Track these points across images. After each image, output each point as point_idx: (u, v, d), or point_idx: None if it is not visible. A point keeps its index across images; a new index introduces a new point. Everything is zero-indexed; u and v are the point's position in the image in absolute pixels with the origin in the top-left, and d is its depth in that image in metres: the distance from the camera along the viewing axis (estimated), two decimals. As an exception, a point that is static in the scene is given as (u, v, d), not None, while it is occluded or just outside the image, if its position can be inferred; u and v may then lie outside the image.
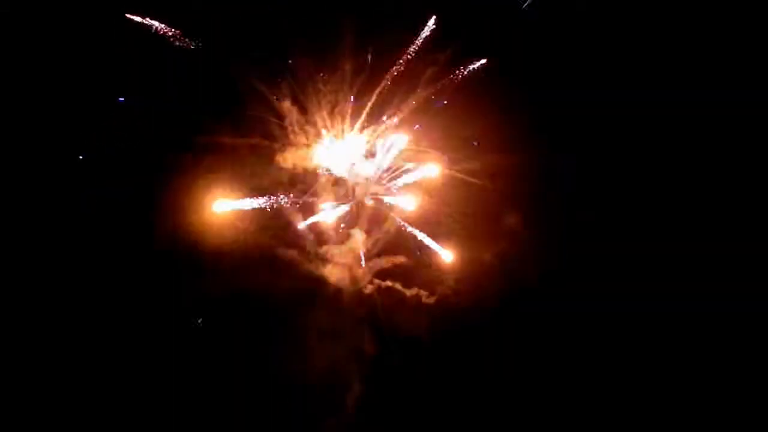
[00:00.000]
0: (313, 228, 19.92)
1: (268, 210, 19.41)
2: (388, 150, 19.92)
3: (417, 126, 19.86)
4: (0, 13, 18.24)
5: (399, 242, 20.28)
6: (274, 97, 19.18)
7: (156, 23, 18.22)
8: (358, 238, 20.07)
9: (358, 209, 20.20)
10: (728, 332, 19.58)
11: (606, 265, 19.92)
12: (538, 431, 20.12)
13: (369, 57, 19.15)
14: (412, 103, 19.60)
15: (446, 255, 20.17)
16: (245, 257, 19.18)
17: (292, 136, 19.49)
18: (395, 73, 19.27)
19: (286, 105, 19.28)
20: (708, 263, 19.56)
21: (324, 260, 20.01)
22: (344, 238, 20.22)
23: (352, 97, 19.46)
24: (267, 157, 19.35)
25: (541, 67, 19.84)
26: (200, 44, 18.51)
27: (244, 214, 19.23)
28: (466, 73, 19.66)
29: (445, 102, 19.80)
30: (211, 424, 19.21)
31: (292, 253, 19.76)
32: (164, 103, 18.63)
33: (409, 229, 20.07)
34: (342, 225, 20.22)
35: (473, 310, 20.09)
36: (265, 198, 19.33)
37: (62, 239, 18.97)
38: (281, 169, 19.43)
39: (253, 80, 18.90)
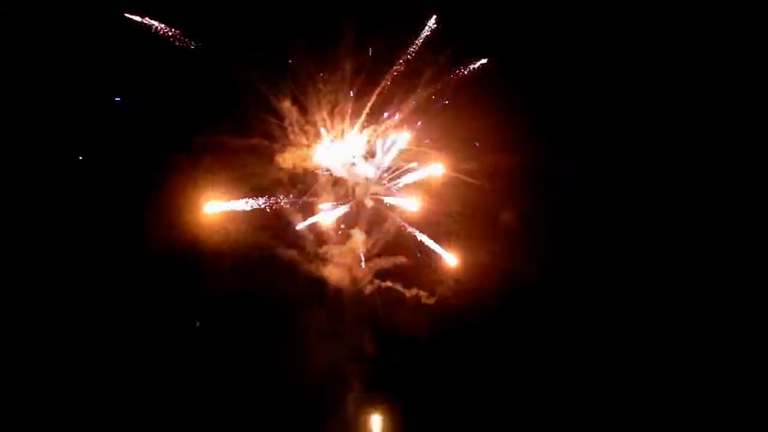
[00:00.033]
0: (313, 228, 19.92)
1: (268, 210, 19.42)
2: (388, 150, 19.92)
3: (419, 122, 19.84)
4: (0, 13, 18.21)
5: (399, 242, 20.29)
6: (274, 97, 19.16)
7: (156, 23, 18.20)
8: (358, 239, 20.08)
9: (358, 209, 20.19)
10: (728, 332, 19.58)
11: (606, 265, 19.92)
12: (538, 431, 20.09)
13: (370, 51, 19.12)
14: (412, 103, 19.60)
15: (450, 259, 20.16)
16: (245, 257, 19.21)
17: (291, 137, 19.49)
18: (395, 73, 19.25)
19: (286, 105, 19.28)
20: (708, 263, 19.56)
21: (324, 260, 20.04)
22: (344, 238, 20.23)
23: (352, 93, 19.42)
24: (267, 157, 19.36)
25: (541, 67, 19.83)
26: (200, 44, 18.49)
27: (244, 214, 19.22)
28: (466, 73, 19.63)
29: (447, 102, 19.78)
30: (211, 424, 19.18)
31: (292, 254, 19.77)
32: (164, 103, 18.60)
33: (410, 229, 20.07)
34: (342, 225, 20.23)
35: (473, 310, 20.06)
36: (265, 198, 19.32)
37: (62, 239, 18.94)
38: (281, 169, 19.45)
39: (253, 80, 18.87)
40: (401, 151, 19.90)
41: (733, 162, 20.08)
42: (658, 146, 20.34)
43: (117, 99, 18.69)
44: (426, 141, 19.96)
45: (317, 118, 19.53)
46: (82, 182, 19.05)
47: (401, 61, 19.24)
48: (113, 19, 18.10)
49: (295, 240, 19.83)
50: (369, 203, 20.10)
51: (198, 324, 19.65)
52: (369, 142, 19.87)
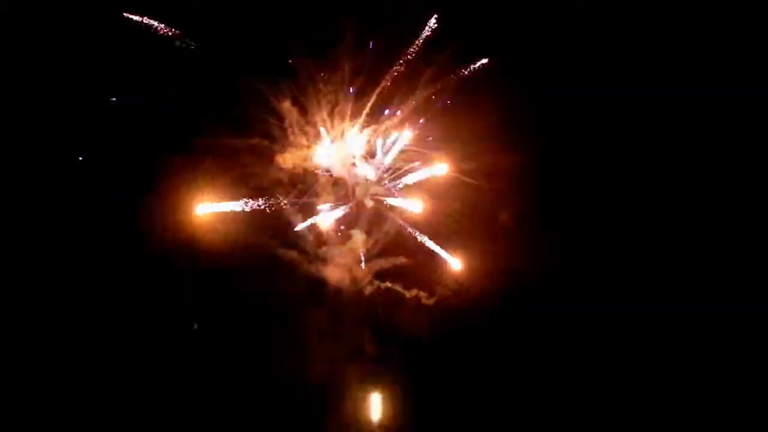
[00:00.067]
0: (313, 228, 19.91)
1: (268, 211, 19.40)
2: (388, 150, 19.91)
3: (421, 120, 19.81)
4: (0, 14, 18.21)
5: (399, 243, 20.27)
6: (274, 98, 19.15)
7: (156, 23, 18.19)
8: (358, 239, 20.07)
9: (358, 210, 20.19)
10: (728, 332, 19.57)
11: (606, 265, 19.91)
12: (538, 431, 20.10)
13: (371, 44, 19.10)
14: (412, 103, 19.59)
15: (455, 263, 20.16)
16: (245, 258, 19.19)
17: (291, 137, 19.49)
18: (395, 74, 19.24)
19: (286, 105, 19.27)
20: (708, 263, 19.55)
21: (324, 261, 20.02)
22: (344, 238, 20.23)
23: (351, 89, 19.40)
24: (267, 157, 19.35)
25: (541, 67, 19.82)
26: (200, 44, 18.48)
27: (244, 214, 19.21)
28: (466, 73, 19.61)
29: (448, 102, 19.77)
30: (211, 425, 19.19)
31: (292, 254, 19.77)
32: (163, 103, 18.60)
33: (410, 230, 20.07)
34: (341, 226, 20.23)
35: (473, 310, 20.07)
36: (265, 199, 19.32)
37: (62, 239, 18.94)
38: (281, 169, 19.45)
39: (253, 80, 18.86)
40: (401, 152, 19.90)
41: (733, 162, 20.06)
42: (658, 146, 20.32)
43: (113, 99, 18.67)
44: (429, 138, 19.93)
45: (317, 118, 19.53)
46: (82, 182, 19.04)
47: (401, 61, 19.22)
48: (112, 19, 18.09)
49: (295, 240, 19.85)
50: (369, 203, 20.10)
51: (196, 326, 19.63)
52: (369, 142, 19.88)
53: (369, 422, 20.03)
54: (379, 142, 19.91)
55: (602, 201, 20.33)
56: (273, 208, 19.41)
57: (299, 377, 19.44)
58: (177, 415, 18.88)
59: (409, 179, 19.94)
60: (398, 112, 19.69)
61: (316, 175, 19.85)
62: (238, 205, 19.07)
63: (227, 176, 19.06)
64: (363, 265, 20.17)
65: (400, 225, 20.13)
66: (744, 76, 19.73)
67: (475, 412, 19.99)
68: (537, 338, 20.30)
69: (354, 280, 20.13)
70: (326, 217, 19.91)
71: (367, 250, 20.21)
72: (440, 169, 19.71)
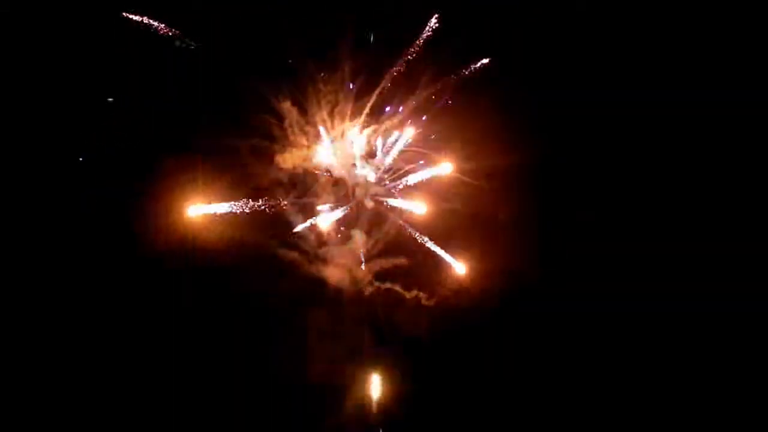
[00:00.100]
0: (313, 229, 19.90)
1: (268, 211, 19.39)
2: (388, 151, 19.90)
3: (420, 123, 19.77)
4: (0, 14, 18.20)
5: (399, 243, 20.26)
6: (274, 98, 19.14)
7: (156, 23, 18.17)
8: (359, 239, 20.06)
9: (358, 210, 20.18)
10: (728, 332, 19.59)
11: (606, 265, 19.92)
12: (538, 431, 20.11)
13: (371, 38, 19.09)
14: (412, 103, 19.57)
15: (459, 267, 20.16)
16: (245, 258, 19.18)
17: (291, 137, 19.47)
18: (395, 74, 19.23)
19: (286, 105, 19.25)
20: (708, 263, 19.57)
21: (324, 261, 20.00)
22: (344, 239, 20.22)
23: (351, 85, 19.37)
24: (267, 157, 19.34)
25: (541, 67, 19.82)
26: (200, 44, 18.46)
27: (244, 215, 19.19)
28: (466, 73, 19.60)
29: (449, 102, 19.76)
30: (211, 425, 19.18)
31: (293, 254, 19.75)
32: (162, 103, 18.59)
33: (410, 230, 20.07)
34: (342, 227, 20.22)
35: (473, 310, 20.07)
36: (265, 199, 19.31)
37: (62, 239, 18.92)
38: (281, 169, 19.42)
39: (253, 80, 18.85)
40: (401, 152, 19.90)
41: (733, 162, 20.07)
42: (658, 146, 20.32)
43: (110, 99, 18.66)
44: (432, 137, 19.92)
45: (317, 118, 19.51)
46: (82, 182, 19.03)
47: (401, 61, 19.21)
48: (113, 20, 18.07)
49: (295, 241, 19.83)
50: (369, 204, 20.09)
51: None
52: (369, 142, 19.87)
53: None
54: (379, 142, 19.92)
55: (602, 201, 20.32)
56: (272, 210, 19.42)
57: (299, 377, 19.44)
58: (177, 415, 18.88)
59: (410, 180, 19.94)
60: (399, 112, 19.67)
61: (316, 175, 19.87)
62: (236, 206, 19.04)
63: (227, 176, 19.02)
64: (363, 265, 20.17)
65: (401, 225, 20.12)
66: (744, 76, 19.72)
67: (475, 412, 20.00)
68: (537, 338, 20.30)
69: (354, 281, 20.13)
70: (326, 217, 19.91)
71: (368, 251, 20.22)
72: (444, 168, 19.67)
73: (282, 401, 19.41)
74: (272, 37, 18.74)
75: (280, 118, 19.40)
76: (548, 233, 20.31)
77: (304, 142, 19.56)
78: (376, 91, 19.36)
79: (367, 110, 19.52)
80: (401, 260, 20.22)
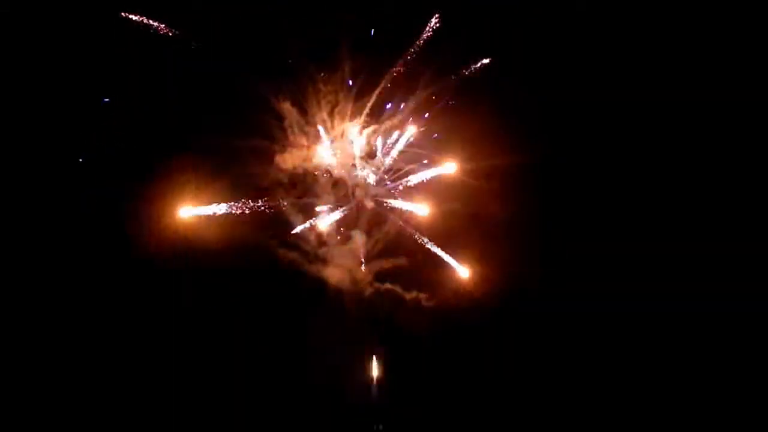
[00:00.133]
0: (313, 229, 19.88)
1: (268, 212, 19.38)
2: (388, 151, 19.90)
3: (421, 123, 19.74)
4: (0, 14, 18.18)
5: (400, 243, 20.26)
6: (274, 98, 19.12)
7: (156, 23, 18.14)
8: (359, 240, 20.05)
9: (358, 211, 20.17)
10: (728, 332, 19.59)
11: (606, 265, 19.91)
12: (538, 431, 20.12)
13: (372, 32, 19.06)
14: (412, 103, 19.56)
15: (463, 271, 20.16)
16: (245, 259, 19.15)
17: (291, 137, 19.46)
18: (395, 74, 19.21)
19: (286, 106, 19.23)
20: (708, 263, 19.56)
21: (324, 262, 20.00)
22: (344, 239, 20.21)
23: (350, 82, 19.35)
24: (267, 158, 19.33)
25: (542, 67, 19.80)
26: (200, 44, 18.44)
27: (244, 215, 19.18)
28: (466, 73, 19.59)
29: (451, 102, 19.75)
30: (211, 426, 19.17)
31: (293, 255, 19.74)
32: (161, 104, 18.58)
33: (411, 231, 20.07)
34: (341, 228, 20.21)
35: (473, 310, 20.07)
36: (265, 199, 19.30)
37: (62, 239, 18.91)
38: (281, 170, 19.41)
39: (253, 80, 18.83)
40: (401, 152, 19.89)
41: (734, 162, 20.06)
42: (658, 146, 20.30)
43: (106, 99, 18.65)
44: (435, 136, 19.90)
45: (317, 118, 19.49)
46: (81, 182, 19.00)
47: (401, 61, 19.20)
48: (112, 20, 18.04)
49: (295, 241, 19.83)
50: (369, 204, 20.08)
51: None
52: (369, 142, 19.86)
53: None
54: (379, 142, 19.90)
55: (602, 201, 20.31)
56: (272, 210, 19.42)
57: (299, 378, 19.44)
58: (177, 415, 18.87)
59: (410, 180, 19.93)
60: (399, 112, 19.66)
61: (316, 175, 19.85)
62: (236, 207, 19.03)
63: (227, 177, 19.01)
64: (363, 266, 20.17)
65: (401, 226, 20.11)
66: (744, 76, 19.71)
67: (475, 412, 20.00)
68: (537, 338, 20.30)
69: (354, 281, 20.12)
70: (326, 218, 19.90)
71: (368, 251, 20.21)
72: (448, 168, 19.64)
73: (282, 402, 19.39)
74: (272, 37, 18.71)
75: (280, 118, 19.38)
76: (548, 233, 20.30)
77: (304, 142, 19.55)
78: (376, 91, 19.35)
79: (367, 110, 19.50)
80: (401, 261, 20.23)
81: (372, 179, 20.07)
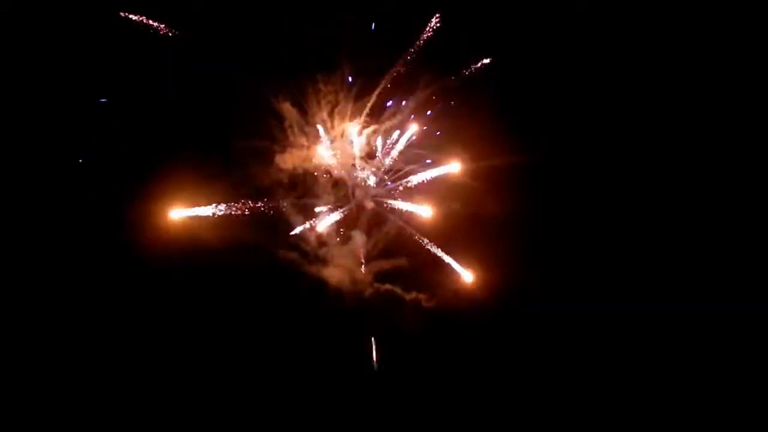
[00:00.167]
0: (313, 230, 19.86)
1: (268, 212, 19.39)
2: (388, 152, 19.89)
3: (421, 120, 19.73)
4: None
5: (400, 244, 20.26)
6: (274, 98, 19.12)
7: (155, 23, 18.13)
8: (359, 240, 20.05)
9: (358, 211, 20.16)
10: (728, 332, 19.60)
11: (606, 265, 19.91)
12: (538, 431, 20.13)
13: (372, 26, 19.07)
14: (412, 103, 19.56)
15: (467, 276, 20.16)
16: (244, 259, 19.15)
17: (291, 137, 19.45)
18: (395, 74, 19.21)
19: (286, 106, 19.22)
20: (708, 263, 19.57)
21: (324, 262, 20.00)
22: (344, 240, 20.20)
23: (350, 78, 19.36)
24: (266, 158, 19.32)
25: (542, 68, 19.81)
26: (199, 44, 18.43)
27: (243, 215, 19.18)
28: (466, 73, 19.58)
29: (452, 102, 19.76)
30: (211, 426, 19.18)
31: (292, 255, 19.73)
32: (160, 104, 18.58)
33: (411, 231, 20.07)
34: (341, 230, 20.21)
35: (473, 310, 20.06)
36: (264, 200, 19.31)
37: (61, 239, 18.91)
38: (281, 170, 19.40)
39: (253, 80, 18.82)
40: (401, 153, 19.88)
41: (734, 162, 20.07)
42: (658, 146, 20.31)
43: (102, 100, 18.65)
44: (437, 132, 19.88)
45: (317, 118, 19.49)
46: (81, 183, 19.01)
47: (401, 61, 19.20)
48: (112, 20, 18.04)
49: (294, 241, 19.83)
50: (369, 205, 20.07)
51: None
52: (369, 143, 19.86)
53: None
54: (379, 142, 19.90)
55: (602, 201, 20.32)
56: (272, 211, 19.42)
57: (298, 378, 19.45)
58: (177, 416, 18.88)
59: (411, 180, 19.92)
60: (399, 112, 19.66)
61: (316, 176, 19.85)
62: (236, 207, 19.03)
63: (227, 177, 19.02)
64: (363, 266, 20.16)
65: (401, 226, 20.10)
66: (744, 76, 19.71)
67: (475, 412, 20.00)
68: (537, 338, 20.30)
69: (354, 282, 20.12)
70: (326, 218, 19.89)
71: (368, 252, 20.21)
72: (453, 167, 19.63)
73: (280, 403, 19.40)
74: (272, 37, 18.71)
75: (280, 118, 19.38)
76: (548, 233, 20.30)
77: (304, 142, 19.55)
78: (376, 91, 19.35)
79: (367, 110, 19.50)
80: (401, 261, 20.23)
81: (372, 180, 20.07)
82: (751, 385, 19.29)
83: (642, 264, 19.98)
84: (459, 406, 19.99)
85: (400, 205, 19.94)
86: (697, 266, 19.63)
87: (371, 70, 19.27)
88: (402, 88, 19.45)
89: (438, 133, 19.84)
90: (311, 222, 19.72)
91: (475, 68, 19.52)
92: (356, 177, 20.03)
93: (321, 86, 19.34)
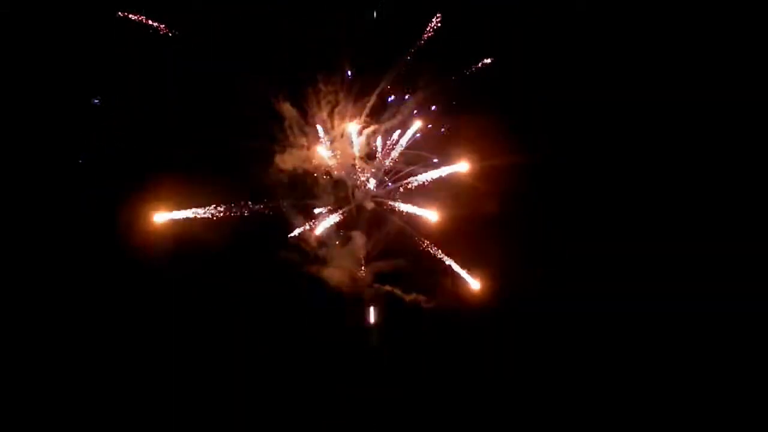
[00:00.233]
0: (313, 231, 19.85)
1: (268, 213, 19.37)
2: (389, 152, 19.88)
3: (422, 121, 19.71)
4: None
5: (400, 245, 20.23)
6: (274, 98, 19.11)
7: (155, 23, 18.12)
8: (359, 241, 20.04)
9: (358, 212, 20.15)
10: (728, 332, 19.61)
11: (606, 265, 19.90)
12: (538, 431, 20.15)
13: (374, 14, 19.04)
14: (412, 104, 19.55)
15: (474, 284, 20.13)
16: (244, 260, 19.17)
17: (291, 138, 19.44)
18: (396, 74, 19.21)
19: (286, 106, 19.21)
20: (708, 263, 19.57)
21: (324, 263, 19.99)
22: (344, 241, 20.19)
23: (349, 72, 19.31)
24: (266, 158, 19.31)
25: (542, 67, 19.80)
26: (199, 44, 18.42)
27: (243, 216, 19.16)
28: (467, 73, 19.57)
29: (453, 102, 19.72)
30: (210, 427, 19.18)
31: (292, 256, 19.72)
32: (160, 104, 18.56)
33: (410, 232, 20.07)
34: (341, 229, 20.21)
35: (473, 310, 20.06)
36: (264, 201, 19.29)
37: (61, 239, 18.91)
38: (281, 170, 19.38)
39: (253, 80, 18.80)
40: (401, 153, 19.87)
41: (734, 162, 20.07)
42: (658, 146, 20.30)
43: (96, 101, 18.64)
44: (442, 130, 19.84)
45: (317, 118, 19.48)
46: (81, 183, 19.01)
47: (402, 61, 19.19)
48: (112, 20, 18.02)
49: (294, 242, 19.82)
50: (369, 206, 20.06)
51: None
52: (369, 143, 19.85)
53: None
54: (379, 142, 19.89)
55: (603, 201, 20.32)
56: (272, 211, 19.40)
57: (298, 378, 19.45)
58: (177, 416, 18.88)
59: (411, 181, 19.91)
60: (399, 112, 19.65)
61: (316, 176, 19.83)
62: (235, 207, 19.02)
63: (226, 178, 19.02)
64: (363, 267, 20.15)
65: (401, 227, 20.09)
66: (744, 76, 19.72)
67: (475, 412, 20.01)
68: (537, 338, 20.29)
69: (354, 283, 20.11)
70: (326, 219, 19.87)
71: (368, 252, 20.19)
72: (461, 167, 19.60)
73: (280, 403, 19.41)
74: (272, 37, 18.69)
75: (280, 118, 19.36)
76: (548, 233, 20.31)
77: (304, 142, 19.53)
78: (376, 91, 19.34)
79: (367, 110, 19.49)
80: (401, 262, 20.22)
81: (372, 181, 20.06)
82: (751, 385, 19.29)
83: (642, 264, 19.97)
84: (459, 406, 20.00)
85: (400, 206, 19.92)
86: (697, 266, 19.62)
87: (371, 70, 19.26)
88: (402, 88, 19.42)
89: (443, 130, 19.81)
90: (311, 223, 19.70)
91: (476, 68, 19.52)
92: (356, 177, 20.00)
93: (321, 86, 19.33)
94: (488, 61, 19.49)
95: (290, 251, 19.67)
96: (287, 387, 19.49)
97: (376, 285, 20.17)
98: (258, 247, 19.40)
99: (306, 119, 19.45)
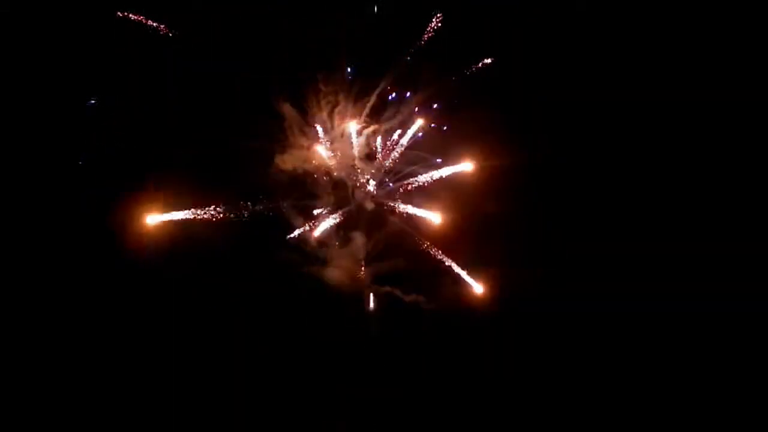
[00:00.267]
0: (313, 231, 19.84)
1: (268, 214, 19.36)
2: (389, 152, 19.87)
3: (422, 121, 19.70)
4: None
5: (400, 245, 20.22)
6: (274, 98, 19.10)
7: (154, 23, 18.11)
8: (359, 242, 20.03)
9: (358, 212, 20.14)
10: (728, 332, 19.61)
11: (606, 265, 19.90)
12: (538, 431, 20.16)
13: (375, 8, 19.03)
14: (413, 104, 19.55)
15: (477, 287, 20.12)
16: (244, 260, 19.15)
17: (291, 138, 19.43)
18: (396, 74, 19.20)
19: (286, 106, 19.20)
20: (708, 263, 19.57)
21: (323, 264, 19.98)
22: (344, 241, 20.18)
23: (349, 69, 19.30)
24: (266, 159, 19.30)
25: (542, 67, 19.80)
26: (199, 44, 18.41)
27: (243, 216, 19.15)
28: (467, 73, 19.57)
29: (456, 102, 19.71)
30: (210, 427, 19.18)
31: (292, 257, 19.71)
32: (159, 104, 18.55)
33: (410, 232, 20.07)
34: (341, 230, 20.19)
35: (473, 310, 20.06)
36: (264, 201, 19.27)
37: (61, 239, 18.90)
38: (280, 171, 19.37)
39: (254, 80, 18.79)
40: (402, 153, 19.86)
41: (734, 162, 20.08)
42: (658, 146, 20.31)
43: (91, 102, 18.63)
44: (444, 128, 19.83)
45: (317, 118, 19.47)
46: (81, 182, 18.99)
47: (402, 61, 19.18)
48: (111, 19, 18.01)
49: (294, 243, 19.81)
50: (369, 206, 20.05)
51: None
52: (369, 143, 19.84)
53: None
54: (380, 142, 19.88)
55: (603, 201, 20.32)
56: (271, 212, 19.39)
57: (298, 379, 19.45)
58: (176, 417, 18.88)
59: (411, 181, 19.91)
60: (398, 113, 19.65)
61: (316, 176, 19.83)
62: (235, 208, 19.01)
63: (226, 178, 19.01)
64: (363, 267, 20.14)
65: (401, 227, 20.08)
66: (744, 76, 19.72)
67: (474, 412, 20.02)
68: (537, 339, 20.30)
69: (354, 283, 20.11)
70: (326, 219, 19.87)
71: (368, 253, 20.18)
72: (465, 167, 19.57)
73: (280, 403, 19.40)
74: (272, 37, 18.69)
75: (280, 118, 19.35)
76: (548, 233, 20.31)
77: (304, 142, 19.52)
78: (376, 91, 19.34)
79: (367, 110, 19.48)
80: (401, 262, 20.21)
81: (372, 181, 20.06)
82: (751, 385, 19.30)
83: (642, 264, 19.97)
84: (459, 406, 20.00)
85: (400, 206, 19.92)
86: (697, 266, 19.63)
87: (371, 70, 19.25)
88: (402, 88, 19.42)
89: (445, 128, 19.81)
90: (311, 224, 19.69)
91: (476, 68, 19.51)
92: (356, 178, 20.00)
93: (321, 86, 19.31)
94: (488, 61, 19.48)
95: (290, 252, 19.68)
96: (287, 387, 19.47)
97: (376, 286, 20.17)
98: (258, 247, 19.39)
99: (306, 119, 19.44)
